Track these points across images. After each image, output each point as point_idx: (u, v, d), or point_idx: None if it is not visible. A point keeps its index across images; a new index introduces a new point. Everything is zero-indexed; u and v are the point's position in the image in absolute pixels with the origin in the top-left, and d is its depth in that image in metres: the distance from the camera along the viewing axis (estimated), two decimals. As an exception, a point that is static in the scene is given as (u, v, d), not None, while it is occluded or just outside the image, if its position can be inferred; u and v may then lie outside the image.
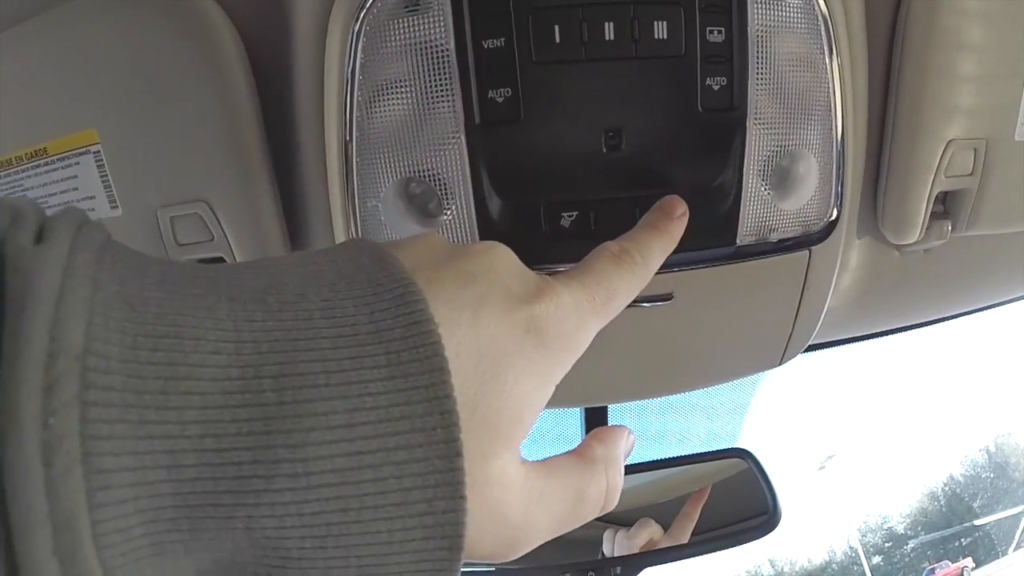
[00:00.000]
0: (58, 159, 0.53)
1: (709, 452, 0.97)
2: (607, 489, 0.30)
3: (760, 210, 0.50)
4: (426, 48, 0.43)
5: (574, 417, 1.04)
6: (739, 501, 0.95)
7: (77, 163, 0.52)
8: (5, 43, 0.50)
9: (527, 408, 0.26)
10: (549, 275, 0.32)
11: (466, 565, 0.23)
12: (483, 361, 0.24)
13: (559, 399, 0.68)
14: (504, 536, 0.26)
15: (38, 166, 0.53)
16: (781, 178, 0.50)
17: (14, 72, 0.51)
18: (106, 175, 0.52)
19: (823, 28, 0.47)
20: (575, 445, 0.33)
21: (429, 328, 0.22)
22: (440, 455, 0.21)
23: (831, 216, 0.53)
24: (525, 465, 0.26)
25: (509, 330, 0.26)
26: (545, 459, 0.29)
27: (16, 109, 0.52)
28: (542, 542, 0.28)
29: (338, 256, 0.25)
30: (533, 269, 0.50)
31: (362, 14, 0.44)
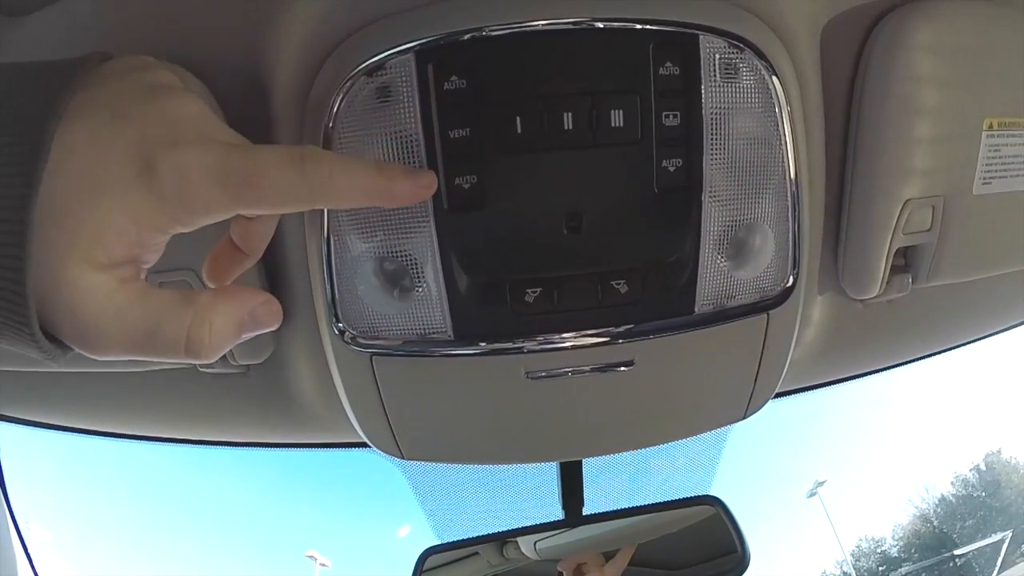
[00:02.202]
0: None
1: (678, 500, 0.98)
2: (188, 338, 0.31)
3: (717, 280, 0.52)
4: (396, 136, 0.46)
5: (551, 470, 1.06)
6: (710, 546, 0.97)
7: None
8: None
9: (114, 235, 0.29)
10: None
11: None
12: (91, 176, 0.28)
13: (533, 454, 0.70)
14: (77, 330, 0.29)
15: None
16: (737, 249, 0.52)
17: None
18: None
19: (777, 106, 0.49)
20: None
21: (47, 125, 0.27)
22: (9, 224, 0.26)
23: (788, 282, 0.55)
24: (115, 281, 0.29)
25: (126, 160, 0.29)
26: (151, 286, 0.32)
27: None
28: (122, 352, 0.30)
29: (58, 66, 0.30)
30: (500, 342, 0.53)
31: (338, 101, 0.46)
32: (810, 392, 0.93)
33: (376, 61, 0.45)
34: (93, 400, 0.78)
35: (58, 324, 0.29)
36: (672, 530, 0.98)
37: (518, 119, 0.45)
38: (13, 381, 0.76)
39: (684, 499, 0.97)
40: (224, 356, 0.62)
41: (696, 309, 0.52)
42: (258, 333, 0.36)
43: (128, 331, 0.30)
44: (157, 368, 0.65)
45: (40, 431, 0.88)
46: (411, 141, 0.46)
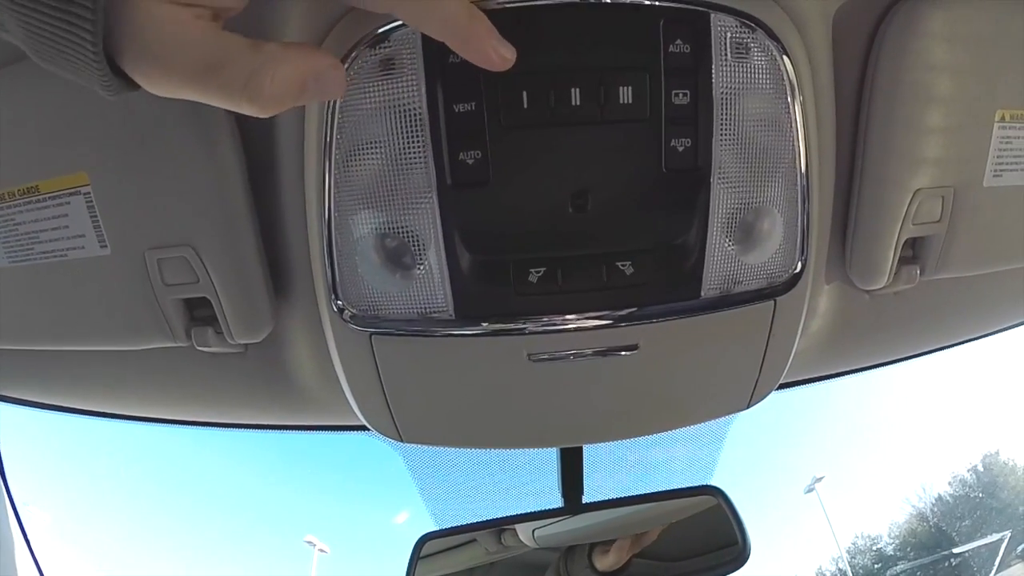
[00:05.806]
0: (49, 198, 0.54)
1: (681, 489, 0.98)
2: (249, 82, 0.31)
3: (724, 265, 0.51)
4: (400, 110, 0.45)
5: (551, 455, 1.06)
6: (710, 537, 0.96)
7: (68, 203, 0.54)
8: (1, 81, 0.52)
9: None
10: None
11: None
12: None
13: (533, 439, 0.70)
14: (142, 54, 0.30)
15: (29, 203, 0.55)
16: (745, 233, 0.51)
17: (7, 110, 0.52)
18: (96, 216, 0.54)
19: (788, 88, 0.48)
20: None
21: None
22: None
23: (795, 269, 0.54)
24: (189, 16, 0.31)
25: None
26: (223, 31, 0.32)
27: (8, 147, 0.54)
28: (180, 84, 0.31)
29: None
30: (503, 323, 0.52)
31: None
32: (812, 386, 0.93)
33: (381, 33, 0.44)
34: (92, 380, 0.77)
35: (123, 50, 0.30)
36: (672, 520, 0.97)
37: (525, 93, 0.44)
38: (12, 361, 0.75)
39: (686, 488, 0.97)
40: (222, 335, 0.61)
41: (702, 293, 0.52)
42: (318, 99, 0.36)
43: (192, 62, 0.31)
44: (155, 348, 0.64)
45: (39, 412, 0.88)
46: (415, 114, 0.45)
